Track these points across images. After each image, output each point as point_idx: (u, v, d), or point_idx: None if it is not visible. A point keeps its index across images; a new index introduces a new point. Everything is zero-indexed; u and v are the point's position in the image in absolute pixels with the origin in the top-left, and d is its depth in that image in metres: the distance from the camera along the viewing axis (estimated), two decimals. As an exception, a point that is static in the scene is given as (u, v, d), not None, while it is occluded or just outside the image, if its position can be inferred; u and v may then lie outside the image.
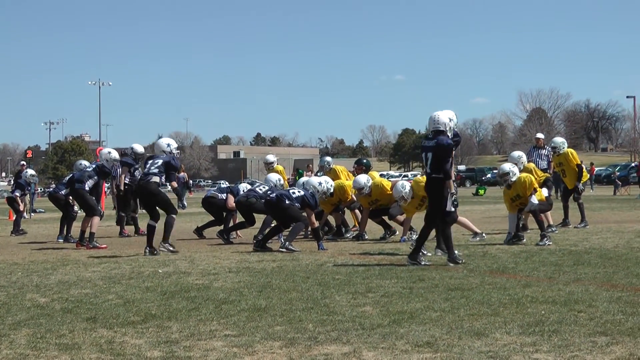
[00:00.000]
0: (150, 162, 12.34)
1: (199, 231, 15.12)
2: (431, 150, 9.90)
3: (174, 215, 12.15)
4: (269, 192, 13.64)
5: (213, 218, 15.16)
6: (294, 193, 12.50)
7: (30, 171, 19.94)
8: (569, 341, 5.35)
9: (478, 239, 12.63)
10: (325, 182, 13.28)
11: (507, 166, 12.72)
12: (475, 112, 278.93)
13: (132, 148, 16.44)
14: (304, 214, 12.31)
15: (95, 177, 13.79)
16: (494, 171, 52.48)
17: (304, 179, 14.89)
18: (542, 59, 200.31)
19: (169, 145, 12.47)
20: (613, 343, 5.28)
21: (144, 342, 5.66)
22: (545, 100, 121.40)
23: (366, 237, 13.84)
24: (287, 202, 12.28)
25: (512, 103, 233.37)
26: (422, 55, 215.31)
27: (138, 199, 11.93)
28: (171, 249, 11.99)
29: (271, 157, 17.64)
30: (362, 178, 13.74)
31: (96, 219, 13.43)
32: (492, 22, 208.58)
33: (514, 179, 12.45)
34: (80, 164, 16.06)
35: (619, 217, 18.90)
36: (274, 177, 14.57)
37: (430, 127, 10.12)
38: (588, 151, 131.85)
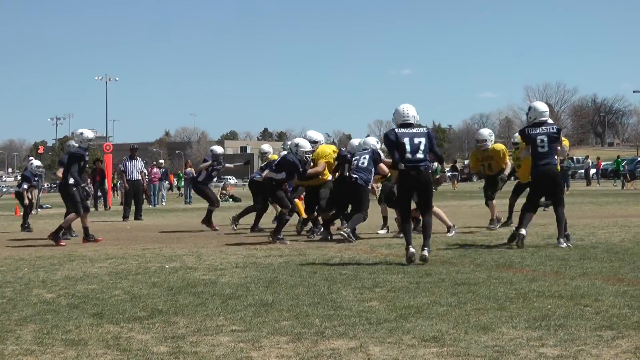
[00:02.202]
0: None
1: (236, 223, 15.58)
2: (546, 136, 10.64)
3: (286, 210, 12.67)
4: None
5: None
6: (364, 157, 12.84)
7: (36, 162, 19.52)
8: (575, 335, 5.35)
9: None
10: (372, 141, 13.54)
11: (485, 132, 14.68)
12: (482, 106, 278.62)
13: (211, 150, 17.24)
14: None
15: (67, 164, 13.39)
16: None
17: (357, 139, 14.24)
18: (549, 53, 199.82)
19: (297, 145, 12.89)
20: (619, 337, 5.28)
21: (151, 338, 5.66)
22: (552, 95, 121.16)
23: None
24: (361, 183, 12.61)
25: (519, 98, 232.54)
26: (430, 50, 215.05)
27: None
28: (287, 242, 12.31)
29: (266, 147, 17.54)
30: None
31: (73, 216, 13.41)
32: (499, 16, 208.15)
33: (489, 145, 14.15)
34: (69, 145, 15.12)
35: (626, 212, 18.86)
36: (371, 140, 13.77)
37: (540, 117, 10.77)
38: (594, 146, 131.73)
